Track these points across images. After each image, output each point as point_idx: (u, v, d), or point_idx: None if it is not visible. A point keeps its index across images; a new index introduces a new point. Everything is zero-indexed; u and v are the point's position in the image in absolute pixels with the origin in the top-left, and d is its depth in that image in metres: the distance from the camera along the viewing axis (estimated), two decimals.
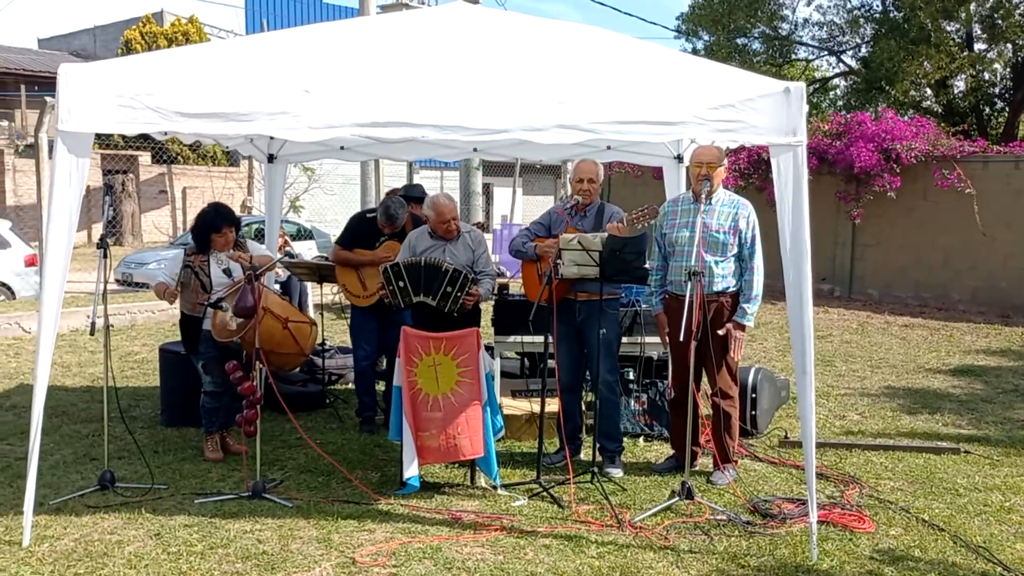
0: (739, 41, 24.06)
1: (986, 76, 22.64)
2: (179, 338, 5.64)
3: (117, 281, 14.16)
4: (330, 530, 4.23)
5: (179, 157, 26.86)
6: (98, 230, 23.03)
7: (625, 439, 5.56)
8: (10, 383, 7.43)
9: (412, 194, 6.97)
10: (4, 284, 12.20)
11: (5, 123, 27.93)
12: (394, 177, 19.57)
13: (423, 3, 15.91)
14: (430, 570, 3.83)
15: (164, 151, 26.09)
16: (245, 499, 4.62)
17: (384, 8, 14.53)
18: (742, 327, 4.94)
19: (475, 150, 7.13)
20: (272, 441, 5.68)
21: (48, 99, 9.98)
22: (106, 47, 29.92)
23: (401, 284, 5.09)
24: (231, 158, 27.33)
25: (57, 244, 3.95)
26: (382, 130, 4.09)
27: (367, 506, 4.58)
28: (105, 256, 4.69)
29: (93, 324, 4.67)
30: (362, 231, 6.04)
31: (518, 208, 22.42)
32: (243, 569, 3.80)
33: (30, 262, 12.45)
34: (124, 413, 5.89)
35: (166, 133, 4.63)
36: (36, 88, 27.14)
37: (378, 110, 4.05)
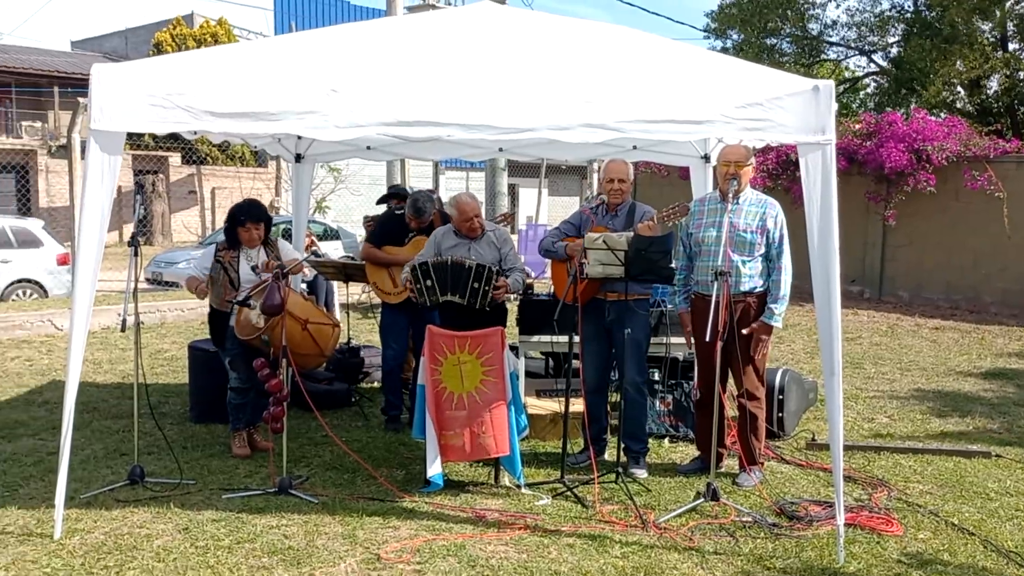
0: (768, 41, 23.87)
1: (1021, 76, 22.28)
2: (208, 336, 5.71)
3: (147, 280, 14.35)
4: (355, 526, 4.26)
5: (208, 158, 27.17)
6: (129, 230, 23.35)
7: (650, 440, 5.54)
8: (43, 379, 7.55)
9: (397, 192, 7.11)
10: (37, 282, 12.40)
11: (38, 124, 28.39)
12: (420, 178, 19.67)
13: (449, 3, 15.95)
14: (454, 567, 3.84)
15: (194, 152, 26.38)
16: (272, 495, 4.66)
17: (411, 9, 14.59)
18: (769, 328, 4.91)
19: (500, 150, 7.14)
20: (298, 438, 5.72)
21: (81, 100, 10.11)
22: (137, 49, 30.29)
23: (428, 283, 5.11)
24: (259, 159, 27.58)
25: (89, 242, 4.01)
26: (408, 129, 4.11)
27: (392, 503, 4.60)
28: (136, 254, 4.76)
29: (124, 321, 4.74)
30: (391, 228, 6.08)
31: (543, 209, 22.43)
32: (269, 564, 3.84)
33: (62, 261, 12.65)
34: (154, 409, 5.97)
35: (195, 132, 4.68)
36: (69, 89, 27.58)
37: (404, 109, 4.07)
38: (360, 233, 8.73)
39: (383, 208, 7.26)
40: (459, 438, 4.82)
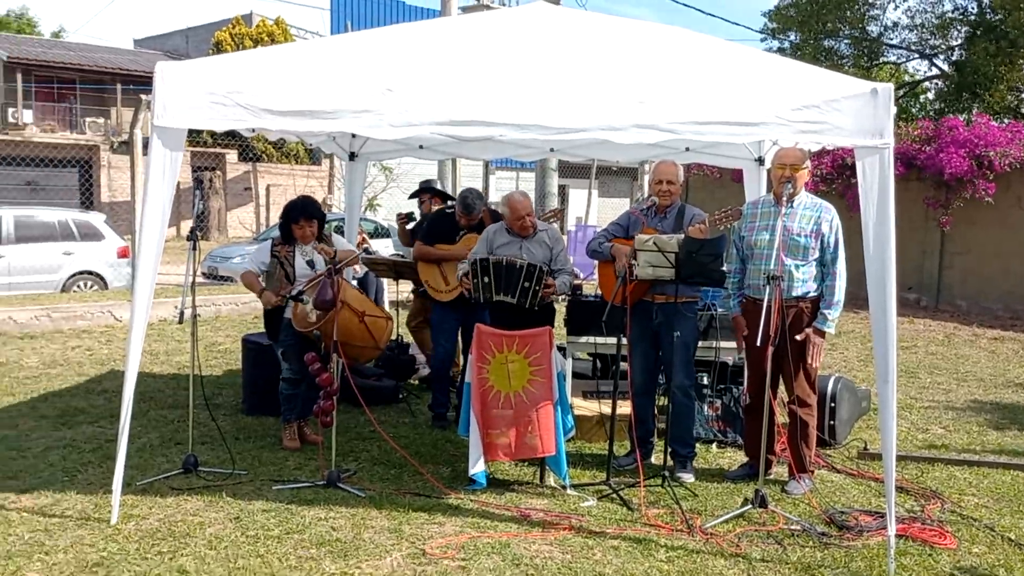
0: (826, 43, 23.50)
1: None
2: (262, 329, 5.82)
3: (203, 274, 14.66)
4: (401, 521, 4.31)
5: (264, 155, 27.65)
6: (187, 225, 23.88)
7: (697, 445, 5.50)
8: (102, 368, 7.76)
9: (429, 188, 7.23)
10: (98, 274, 12.76)
11: (101, 120, 29.18)
12: (470, 178, 19.75)
13: (503, 3, 16.00)
14: (498, 565, 3.86)
15: (250, 149, 26.88)
16: (320, 487, 4.73)
17: (465, 9, 14.68)
18: (822, 333, 4.84)
19: (552, 150, 7.15)
20: (347, 432, 5.79)
21: (143, 97, 10.37)
22: (197, 47, 30.99)
23: (486, 279, 5.14)
24: (313, 157, 27.98)
25: (150, 235, 4.12)
26: (460, 129, 4.15)
27: (437, 499, 4.64)
28: (195, 248, 4.89)
29: (182, 313, 4.87)
30: (442, 226, 6.13)
31: (593, 210, 22.36)
32: (317, 555, 3.90)
33: (122, 254, 13.00)
34: (208, 401, 6.09)
35: (253, 130, 4.79)
36: (131, 86, 28.31)
37: (457, 109, 4.11)
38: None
39: (415, 204, 7.43)
40: (505, 437, 4.84)
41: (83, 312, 9.95)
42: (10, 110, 27.84)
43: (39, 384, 7.05)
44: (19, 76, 28.23)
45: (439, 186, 7.56)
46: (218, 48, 26.57)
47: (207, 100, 4.07)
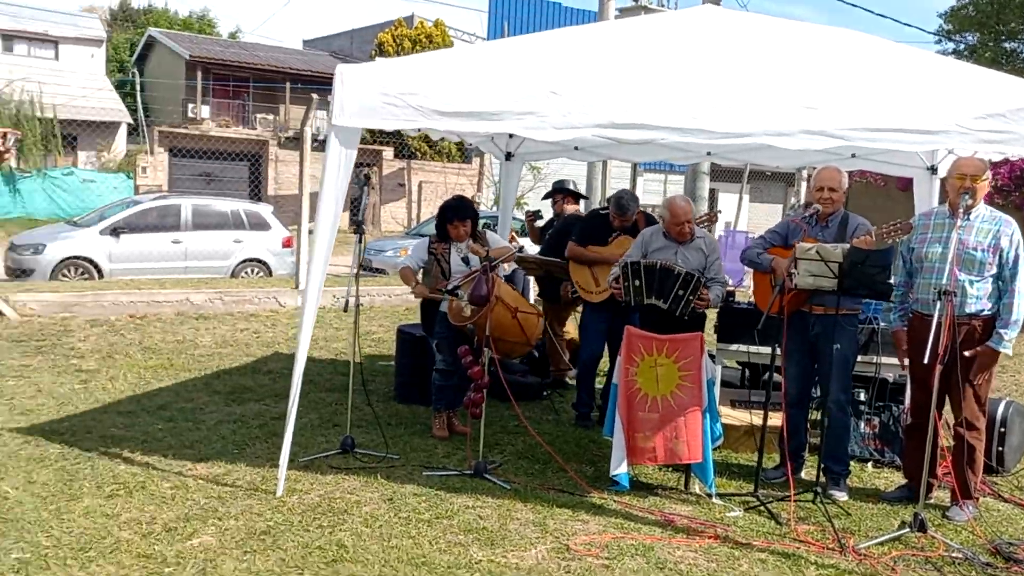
0: (1007, 45, 21.94)
1: None
2: (415, 320, 6.05)
3: (360, 266, 15.31)
4: (546, 515, 4.38)
5: (417, 153, 28.55)
6: (343, 218, 25.02)
7: (852, 463, 5.29)
8: (267, 351, 8.27)
9: (563, 188, 7.25)
10: (263, 262, 13.59)
11: (271, 117, 30.98)
12: (619, 179, 19.71)
13: (662, 5, 15.85)
14: (643, 567, 3.87)
15: (405, 147, 27.82)
16: (467, 476, 4.87)
17: (622, 11, 14.63)
18: (995, 354, 4.56)
19: (709, 154, 7.05)
20: (492, 425, 5.93)
21: (314, 96, 10.93)
22: (361, 48, 32.39)
23: (637, 283, 5.14)
24: (465, 155, 28.65)
25: (324, 227, 4.38)
26: (622, 132, 4.18)
27: (581, 497, 4.69)
28: (360, 240, 5.16)
29: (347, 302, 5.13)
30: (595, 227, 6.17)
31: (743, 215, 21.78)
32: (465, 541, 4.03)
33: (286, 243, 13.80)
34: (361, 386, 6.39)
35: (419, 130, 4.99)
36: (299, 85, 29.91)
37: (619, 112, 4.14)
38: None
39: (547, 204, 7.54)
40: (650, 441, 4.82)
41: (251, 297, 10.62)
42: (190, 106, 30.04)
43: (212, 362, 7.60)
44: (199, 74, 30.39)
45: (573, 187, 7.63)
46: (380, 49, 27.67)
47: (381, 101, 4.28)
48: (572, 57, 4.63)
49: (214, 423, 5.73)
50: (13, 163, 21.17)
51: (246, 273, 13.33)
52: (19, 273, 11.95)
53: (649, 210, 6.63)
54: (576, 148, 6.99)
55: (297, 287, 11.06)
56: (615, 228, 6.07)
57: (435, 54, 5.39)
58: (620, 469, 4.79)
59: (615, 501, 4.67)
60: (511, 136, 7.00)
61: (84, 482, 4.48)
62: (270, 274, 13.48)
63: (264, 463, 4.94)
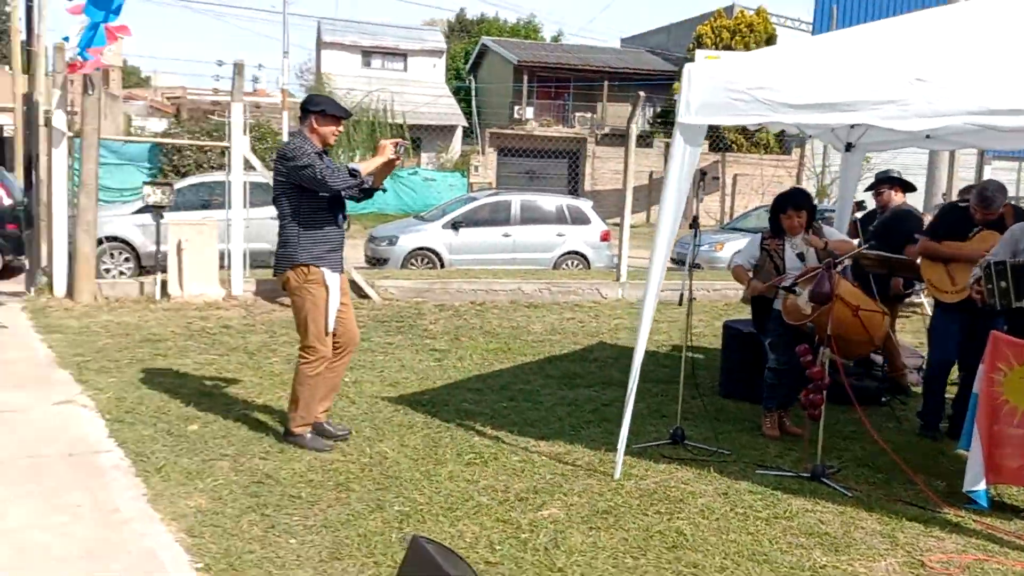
0: None
1: None
2: (735, 316, 5.98)
3: (673, 260, 15.38)
4: (894, 527, 4.15)
5: (733, 145, 27.96)
6: (654, 212, 25.27)
7: None
8: (592, 340, 8.63)
9: (890, 178, 6.71)
10: (582, 255, 14.13)
11: (588, 115, 32.05)
12: (964, 167, 17.83)
13: None
14: None
15: (720, 140, 27.38)
16: (804, 479, 4.75)
17: None
18: None
19: None
20: (828, 429, 5.66)
21: (640, 92, 11.18)
22: (678, 43, 32.34)
23: (1003, 285, 4.67)
24: (784, 146, 27.57)
25: (666, 223, 4.49)
26: (1000, 118, 3.81)
27: (932, 512, 4.37)
28: (696, 235, 5.23)
29: (681, 296, 5.24)
30: (953, 221, 5.66)
31: None
32: (807, 544, 3.95)
33: (604, 237, 14.25)
34: (690, 379, 6.45)
35: (760, 125, 4.93)
36: (616, 83, 30.62)
37: (995, 97, 3.78)
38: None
39: (870, 196, 7.03)
40: (1016, 460, 4.37)
41: (575, 288, 11.12)
42: (515, 108, 32.02)
43: (543, 348, 8.09)
44: (525, 77, 32.26)
45: (897, 175, 7.05)
46: (698, 41, 27.45)
47: (727, 97, 4.29)
48: (937, 41, 4.30)
49: (551, 404, 6.11)
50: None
51: (566, 265, 13.94)
52: (376, 262, 13.56)
53: (1014, 202, 5.96)
54: (927, 136, 6.46)
55: (618, 279, 11.37)
56: (976, 222, 5.53)
57: (785, 46, 5.29)
58: (978, 486, 4.40)
59: (974, 520, 4.30)
60: (852, 127, 6.64)
61: (446, 449, 5.02)
62: (588, 266, 13.98)
63: (599, 446, 5.18)
